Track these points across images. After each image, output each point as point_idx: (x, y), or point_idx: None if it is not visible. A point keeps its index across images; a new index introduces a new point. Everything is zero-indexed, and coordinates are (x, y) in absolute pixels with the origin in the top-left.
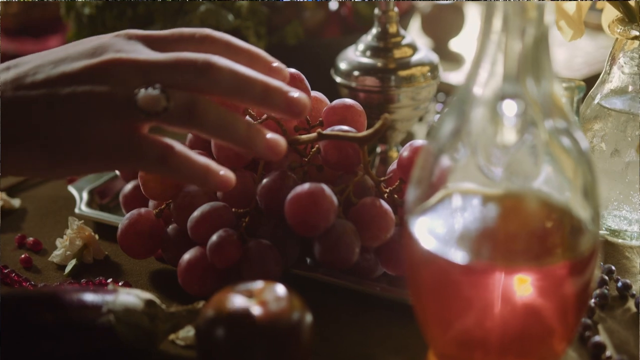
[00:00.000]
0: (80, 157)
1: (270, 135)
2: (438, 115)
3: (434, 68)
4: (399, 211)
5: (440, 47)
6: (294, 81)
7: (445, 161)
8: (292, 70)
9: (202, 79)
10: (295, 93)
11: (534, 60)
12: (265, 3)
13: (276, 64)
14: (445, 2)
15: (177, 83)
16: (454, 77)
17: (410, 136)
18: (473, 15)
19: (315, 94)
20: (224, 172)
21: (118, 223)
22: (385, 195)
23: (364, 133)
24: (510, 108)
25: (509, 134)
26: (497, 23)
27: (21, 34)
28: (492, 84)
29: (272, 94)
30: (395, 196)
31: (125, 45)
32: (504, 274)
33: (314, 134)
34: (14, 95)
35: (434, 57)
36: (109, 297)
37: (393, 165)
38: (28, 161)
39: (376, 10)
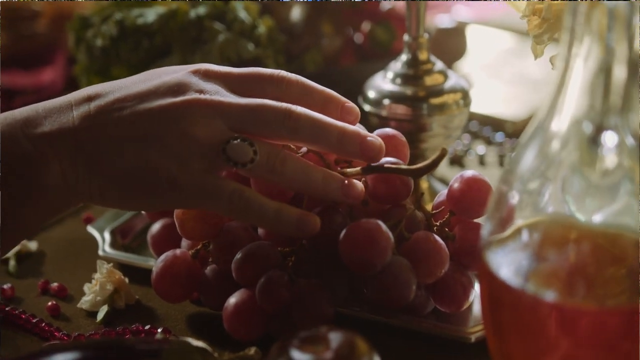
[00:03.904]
0: (171, 196)
1: (347, 180)
2: (460, 142)
3: (465, 95)
4: (450, 245)
5: None
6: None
7: (523, 195)
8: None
9: (283, 127)
10: (369, 137)
11: (627, 88)
12: (283, 30)
13: (348, 104)
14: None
15: (259, 130)
16: None
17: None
18: (474, 38)
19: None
20: (300, 214)
21: (148, 265)
22: (435, 228)
23: (420, 165)
24: (609, 140)
25: (601, 168)
26: (585, 49)
27: (11, 66)
28: (575, 115)
29: (347, 139)
30: (446, 229)
31: (205, 85)
32: (593, 312)
33: (358, 168)
34: (103, 132)
35: (465, 84)
36: (161, 348)
37: (441, 197)
38: (119, 196)
39: (406, 37)
